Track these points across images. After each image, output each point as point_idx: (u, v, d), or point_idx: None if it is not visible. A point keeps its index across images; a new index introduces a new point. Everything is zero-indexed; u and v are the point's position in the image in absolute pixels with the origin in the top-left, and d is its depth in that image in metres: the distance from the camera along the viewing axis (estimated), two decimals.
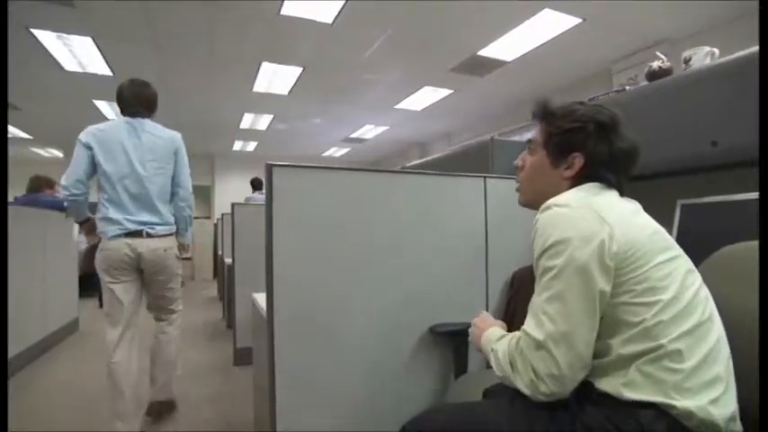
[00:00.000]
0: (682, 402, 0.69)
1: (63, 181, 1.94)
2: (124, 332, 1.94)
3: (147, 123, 2.04)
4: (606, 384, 0.75)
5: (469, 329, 1.03)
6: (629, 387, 0.72)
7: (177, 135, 2.12)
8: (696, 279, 0.80)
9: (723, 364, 0.74)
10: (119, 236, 1.92)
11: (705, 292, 0.80)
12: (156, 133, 2.05)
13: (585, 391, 0.77)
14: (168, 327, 2.17)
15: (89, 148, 1.92)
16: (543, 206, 0.85)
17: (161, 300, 2.14)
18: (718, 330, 0.77)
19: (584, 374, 0.76)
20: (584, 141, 0.88)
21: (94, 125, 1.98)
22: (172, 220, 2.09)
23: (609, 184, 0.88)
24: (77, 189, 1.93)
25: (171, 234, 2.08)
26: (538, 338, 0.75)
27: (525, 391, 0.77)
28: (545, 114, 0.95)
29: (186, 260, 8.51)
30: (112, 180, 1.93)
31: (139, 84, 2.08)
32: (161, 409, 2.14)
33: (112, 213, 1.92)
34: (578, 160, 0.89)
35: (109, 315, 1.96)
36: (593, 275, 0.74)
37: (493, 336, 0.91)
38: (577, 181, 0.89)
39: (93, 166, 1.94)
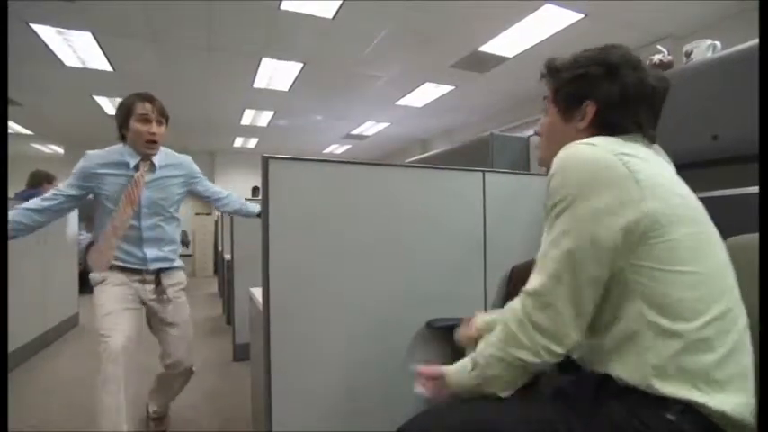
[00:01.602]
0: (713, 398, 0.64)
1: None
2: None
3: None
4: (630, 372, 0.68)
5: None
6: (659, 377, 0.66)
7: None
8: (725, 256, 0.73)
9: (750, 356, 0.69)
10: None
11: (733, 272, 0.73)
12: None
13: (605, 383, 0.72)
14: None
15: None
16: (563, 148, 0.76)
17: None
18: (745, 317, 0.71)
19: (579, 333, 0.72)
20: (591, 87, 0.82)
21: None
22: None
23: (628, 130, 0.79)
24: None
25: None
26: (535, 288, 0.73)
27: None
28: (550, 71, 0.91)
29: (186, 257, 8.54)
30: None
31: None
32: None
33: None
34: (590, 109, 0.82)
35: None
36: (610, 253, 0.68)
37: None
38: (595, 132, 0.81)
39: None
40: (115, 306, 1.67)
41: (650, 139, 0.81)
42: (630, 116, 0.80)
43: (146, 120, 1.75)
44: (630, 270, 0.69)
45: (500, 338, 0.77)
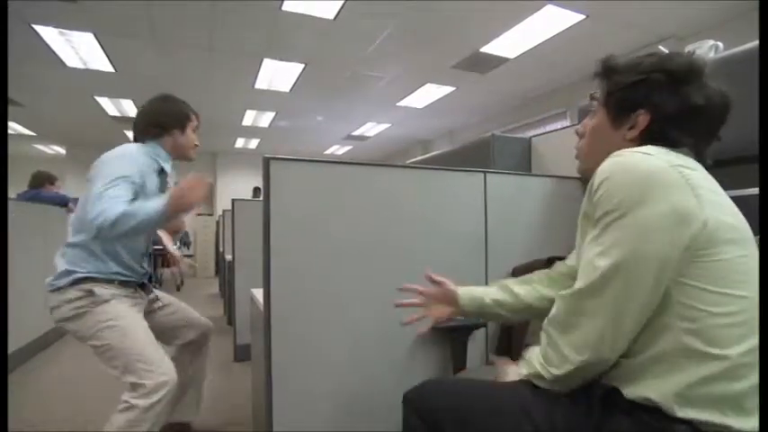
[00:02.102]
0: (738, 421, 0.60)
1: None
2: None
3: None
4: (650, 393, 0.65)
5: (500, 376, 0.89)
6: (681, 402, 0.62)
7: None
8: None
9: None
10: None
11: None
12: None
13: (612, 395, 0.69)
14: None
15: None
16: (613, 155, 0.71)
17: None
18: None
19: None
20: (648, 95, 0.76)
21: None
22: None
23: (681, 146, 0.74)
24: None
25: None
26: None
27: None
28: (606, 71, 0.84)
29: (188, 257, 8.56)
30: None
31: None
32: None
33: None
34: (642, 118, 0.76)
35: None
36: (662, 269, 0.64)
37: (527, 356, 0.80)
38: (644, 144, 0.75)
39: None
40: (148, 333, 1.52)
41: (702, 160, 0.76)
42: (686, 132, 0.75)
43: (196, 130, 1.81)
44: (676, 288, 0.65)
45: (540, 353, 0.76)
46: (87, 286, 1.49)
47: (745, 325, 0.63)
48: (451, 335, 1.40)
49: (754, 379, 0.62)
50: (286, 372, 1.19)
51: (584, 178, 0.82)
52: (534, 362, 0.75)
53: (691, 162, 0.72)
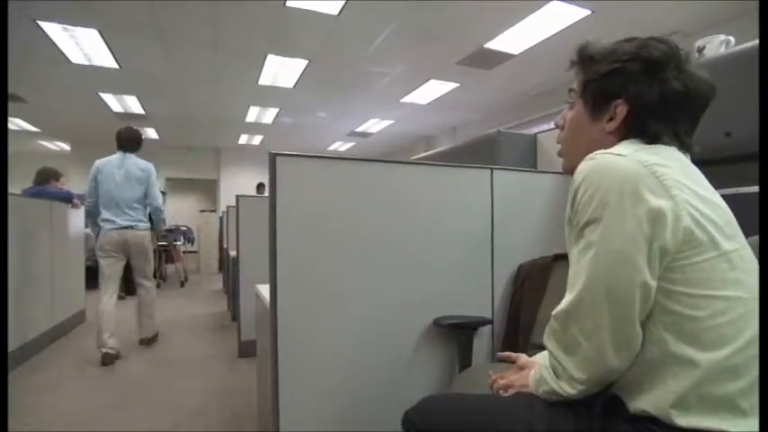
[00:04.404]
0: (736, 425, 0.59)
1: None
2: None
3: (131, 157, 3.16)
4: (646, 403, 0.64)
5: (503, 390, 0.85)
6: (678, 408, 0.61)
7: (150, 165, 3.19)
8: (757, 276, 0.67)
9: None
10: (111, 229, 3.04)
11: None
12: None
13: (615, 403, 0.67)
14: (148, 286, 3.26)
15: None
16: (586, 158, 0.69)
17: (140, 269, 3.21)
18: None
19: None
20: (625, 85, 0.73)
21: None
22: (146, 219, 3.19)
23: (662, 137, 0.72)
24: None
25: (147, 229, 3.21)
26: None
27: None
28: (582, 59, 0.80)
29: (191, 253, 8.58)
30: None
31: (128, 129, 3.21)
32: (149, 341, 3.31)
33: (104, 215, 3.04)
34: (620, 109, 0.74)
35: (102, 277, 3.02)
36: (638, 267, 0.62)
37: (538, 370, 0.76)
38: (625, 136, 0.74)
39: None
40: None
41: (686, 149, 0.74)
42: (667, 123, 0.72)
43: None
44: (659, 295, 0.64)
45: (550, 369, 0.74)
46: None
47: (732, 325, 0.62)
48: (458, 332, 1.40)
49: (747, 378, 0.61)
50: (293, 369, 1.19)
51: (570, 174, 0.79)
52: (548, 379, 0.73)
53: (671, 156, 0.70)
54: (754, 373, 0.61)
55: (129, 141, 3.13)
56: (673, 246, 0.62)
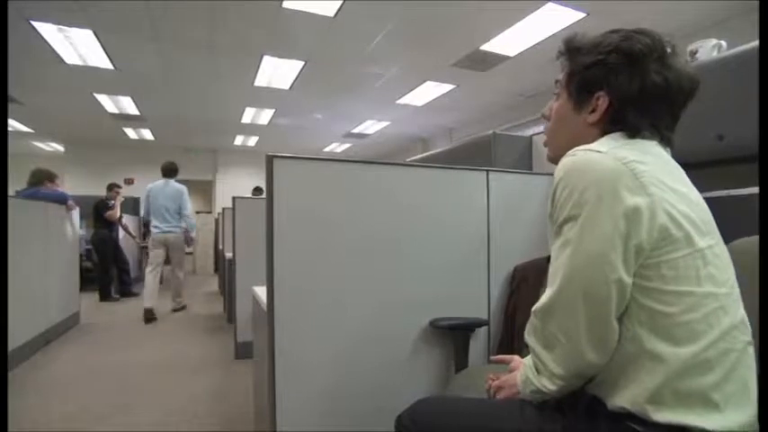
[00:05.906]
0: (710, 420, 0.60)
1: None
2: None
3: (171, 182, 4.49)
4: (623, 400, 0.65)
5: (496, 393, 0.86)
6: (653, 404, 0.62)
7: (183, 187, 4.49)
8: (733, 271, 0.69)
9: (753, 369, 0.66)
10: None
11: (736, 285, 0.69)
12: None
13: (596, 403, 0.69)
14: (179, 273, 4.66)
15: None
16: (567, 154, 0.70)
17: (177, 261, 4.58)
18: (749, 330, 0.67)
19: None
20: (606, 77, 0.73)
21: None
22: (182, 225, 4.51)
23: (643, 131, 0.72)
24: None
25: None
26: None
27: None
28: (569, 51, 0.81)
29: (187, 254, 8.54)
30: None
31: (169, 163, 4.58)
32: (178, 309, 4.71)
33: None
34: (602, 101, 0.74)
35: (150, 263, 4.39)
36: (614, 265, 0.63)
37: (523, 371, 0.77)
38: (606, 128, 0.75)
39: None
40: None
41: (666, 143, 0.75)
42: (648, 116, 0.72)
43: None
44: (635, 290, 0.65)
45: (533, 367, 0.75)
46: None
47: (704, 320, 0.63)
48: (454, 333, 1.40)
49: (719, 372, 0.62)
50: (290, 370, 1.19)
51: (555, 164, 0.79)
52: (531, 377, 0.74)
53: (650, 152, 0.70)
54: (726, 366, 0.62)
55: (169, 171, 4.49)
56: (648, 243, 0.63)
